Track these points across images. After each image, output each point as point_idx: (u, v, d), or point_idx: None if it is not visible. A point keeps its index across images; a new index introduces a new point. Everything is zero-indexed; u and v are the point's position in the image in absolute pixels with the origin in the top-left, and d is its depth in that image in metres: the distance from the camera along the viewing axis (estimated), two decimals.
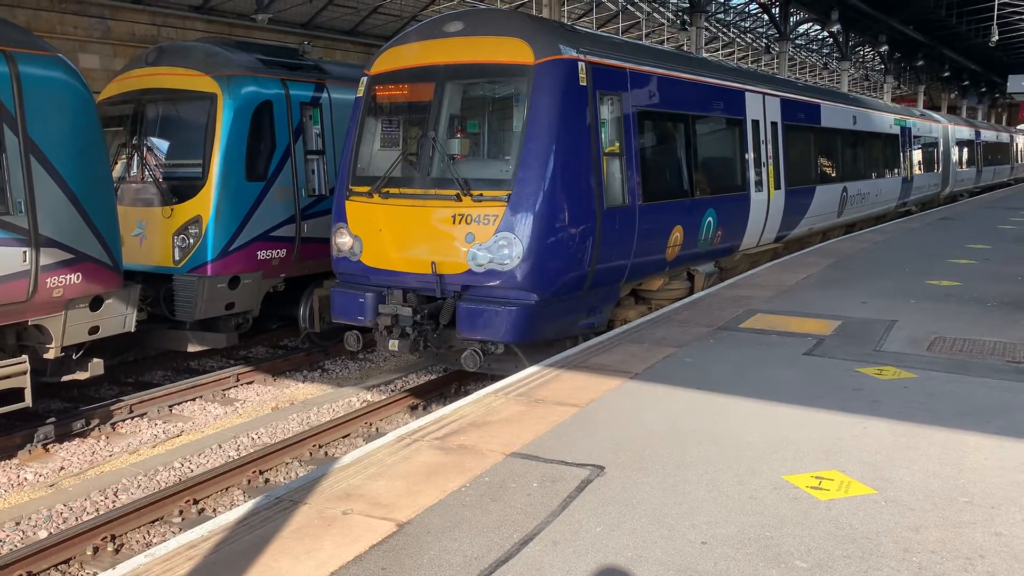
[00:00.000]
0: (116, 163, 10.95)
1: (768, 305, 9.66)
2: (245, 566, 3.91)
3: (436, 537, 4.14)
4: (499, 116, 9.21)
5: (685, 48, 30.36)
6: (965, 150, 32.08)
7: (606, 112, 9.27)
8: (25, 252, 7.74)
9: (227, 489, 7.82)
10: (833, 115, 17.15)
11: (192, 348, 11.02)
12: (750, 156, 12.91)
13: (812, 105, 16.07)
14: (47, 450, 8.75)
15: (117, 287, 8.80)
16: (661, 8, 38.94)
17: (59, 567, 6.43)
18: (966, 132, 32.44)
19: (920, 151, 24.76)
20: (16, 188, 7.65)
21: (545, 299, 8.55)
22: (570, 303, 8.98)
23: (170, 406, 10.17)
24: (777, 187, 13.87)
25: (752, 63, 50.21)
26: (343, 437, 9.15)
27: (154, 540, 6.93)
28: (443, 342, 9.02)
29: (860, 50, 47.74)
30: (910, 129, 23.50)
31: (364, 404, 10.28)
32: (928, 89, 53.40)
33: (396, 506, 4.50)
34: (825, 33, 41.16)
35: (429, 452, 5.31)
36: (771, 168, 13.66)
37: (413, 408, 10.05)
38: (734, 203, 12.34)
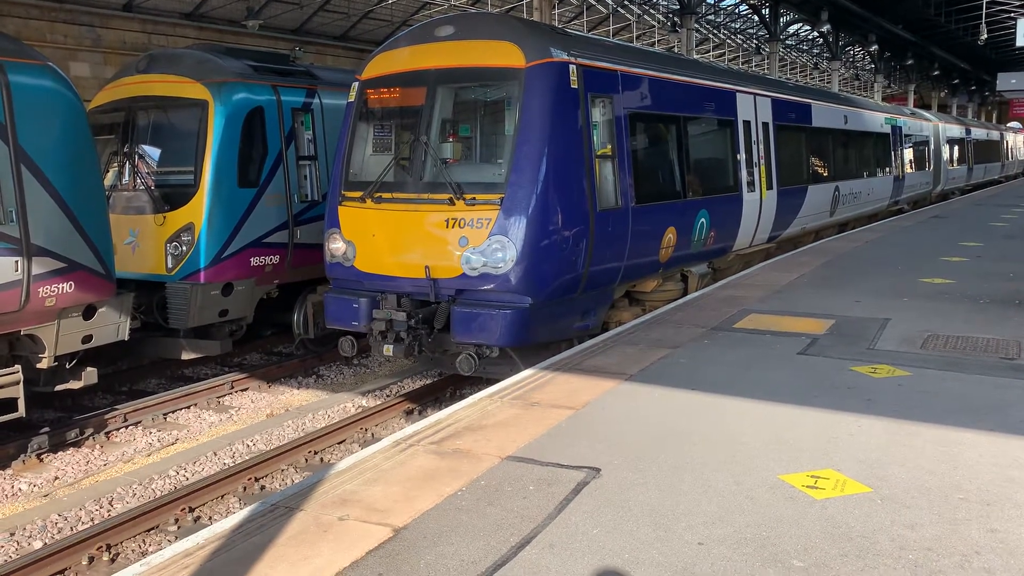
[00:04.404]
0: (108, 171, 10.93)
1: (762, 305, 9.68)
2: (242, 573, 3.90)
3: (433, 542, 4.14)
4: (491, 120, 9.22)
5: (676, 50, 30.43)
6: (956, 148, 32.16)
7: (598, 114, 9.28)
8: (17, 261, 7.71)
9: (223, 497, 7.79)
10: (824, 115, 17.19)
11: (186, 356, 10.98)
12: (742, 157, 12.93)
13: (803, 105, 16.10)
14: (41, 460, 8.71)
15: (110, 296, 8.78)
16: (652, 10, 39.05)
17: None
18: (957, 130, 32.53)
19: (911, 150, 24.82)
20: (7, 197, 7.62)
21: (539, 302, 8.55)
22: (564, 306, 8.99)
23: (165, 414, 10.14)
24: (769, 187, 13.90)
25: (743, 64, 50.35)
26: (339, 443, 9.13)
27: (150, 549, 6.91)
28: (438, 346, 9.01)
29: (850, 50, 47.95)
30: (901, 128, 23.56)
31: (359, 409, 10.26)
32: (918, 88, 53.66)
33: (392, 511, 4.49)
34: (815, 33, 41.30)
35: (425, 457, 5.30)
36: (763, 168, 13.69)
37: (408, 413, 10.03)
38: (727, 204, 12.36)
